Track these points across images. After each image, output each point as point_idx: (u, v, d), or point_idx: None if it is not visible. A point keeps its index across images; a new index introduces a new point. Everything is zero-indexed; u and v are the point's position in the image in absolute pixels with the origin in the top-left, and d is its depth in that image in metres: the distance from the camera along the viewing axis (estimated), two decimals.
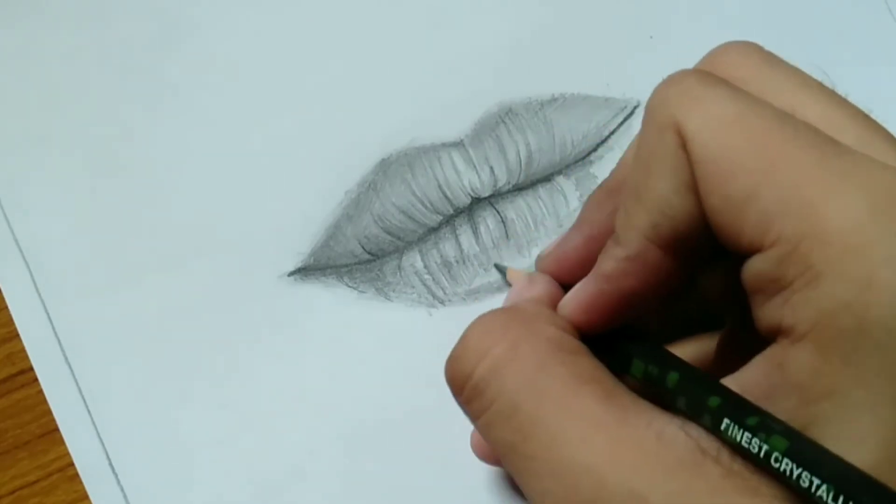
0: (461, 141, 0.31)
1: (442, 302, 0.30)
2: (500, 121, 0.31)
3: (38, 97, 0.31)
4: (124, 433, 0.29)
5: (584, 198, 0.31)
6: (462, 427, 0.29)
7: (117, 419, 0.29)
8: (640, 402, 0.20)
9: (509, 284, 0.29)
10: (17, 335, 0.29)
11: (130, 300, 0.30)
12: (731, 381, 0.19)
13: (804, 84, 0.21)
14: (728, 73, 0.21)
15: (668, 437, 0.19)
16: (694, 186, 0.19)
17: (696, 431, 0.19)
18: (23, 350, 0.29)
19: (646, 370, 0.21)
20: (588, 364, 0.21)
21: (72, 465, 0.29)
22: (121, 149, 0.31)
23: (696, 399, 0.19)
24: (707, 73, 0.20)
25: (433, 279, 0.30)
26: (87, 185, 0.30)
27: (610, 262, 0.21)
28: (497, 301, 0.30)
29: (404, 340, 0.30)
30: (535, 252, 0.30)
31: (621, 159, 0.23)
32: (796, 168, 0.18)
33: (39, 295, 0.30)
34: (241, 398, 0.29)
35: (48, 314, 0.29)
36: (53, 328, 0.29)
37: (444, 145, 0.31)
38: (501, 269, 0.30)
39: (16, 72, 0.31)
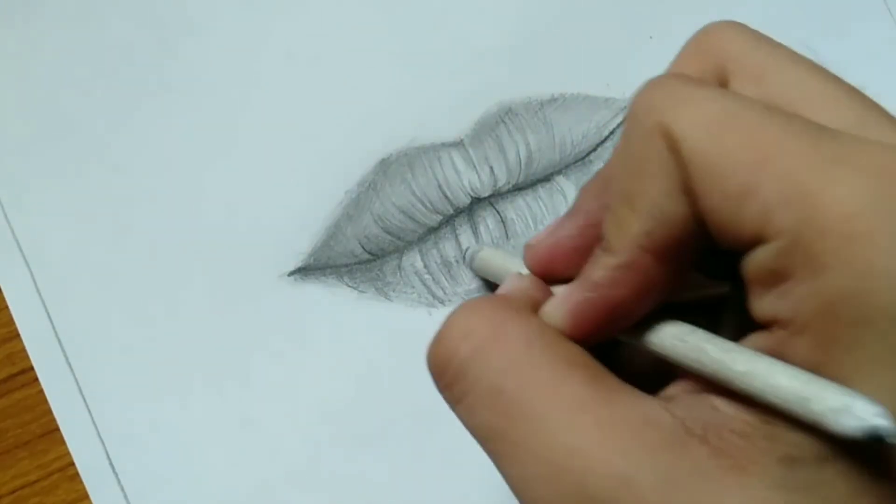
0: (461, 141, 0.31)
1: (442, 302, 0.30)
2: (500, 121, 0.31)
3: (37, 97, 0.31)
4: (124, 433, 0.29)
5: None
6: (462, 425, 0.29)
7: (117, 419, 0.29)
8: (626, 386, 0.19)
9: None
10: (18, 335, 0.29)
11: (131, 300, 0.30)
12: None
13: (795, 61, 0.20)
14: (717, 51, 0.21)
15: (654, 417, 0.18)
16: (686, 189, 0.19)
17: (681, 412, 0.19)
18: (23, 350, 0.29)
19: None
20: (574, 348, 0.20)
21: (72, 464, 0.29)
22: (121, 149, 0.31)
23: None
24: (687, 76, 0.20)
25: (433, 279, 0.30)
26: (87, 185, 0.30)
27: (599, 271, 0.20)
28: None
29: (404, 340, 0.30)
30: None
31: (614, 151, 0.23)
32: (792, 158, 0.18)
33: (40, 295, 0.30)
34: (241, 398, 0.29)
35: (49, 314, 0.29)
36: (54, 328, 0.29)
37: (444, 145, 0.31)
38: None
39: (15, 72, 0.31)
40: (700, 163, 0.18)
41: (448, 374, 0.21)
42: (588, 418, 0.19)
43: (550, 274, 0.23)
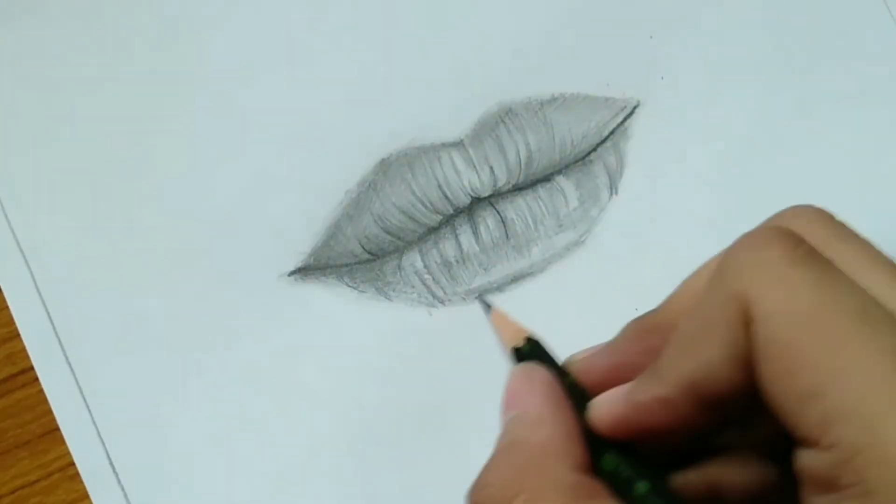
0: (461, 141, 0.31)
1: (442, 301, 0.30)
2: (500, 121, 0.31)
3: (38, 97, 0.31)
4: (125, 432, 0.29)
5: (584, 198, 0.31)
6: (462, 425, 0.29)
7: (118, 419, 0.29)
8: None
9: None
10: (18, 335, 0.29)
11: (130, 300, 0.30)
12: None
13: (874, 262, 0.20)
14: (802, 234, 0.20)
15: None
16: (746, 361, 0.19)
17: None
18: (23, 350, 0.29)
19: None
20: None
21: (72, 464, 0.29)
22: (121, 149, 0.31)
23: None
24: (793, 248, 0.20)
25: (433, 279, 0.30)
26: (87, 185, 0.30)
27: (642, 394, 0.21)
28: (497, 301, 0.30)
29: (404, 340, 0.30)
30: (535, 251, 0.30)
31: (673, 296, 0.23)
32: (867, 376, 0.18)
33: (40, 295, 0.30)
34: (241, 397, 0.29)
35: (49, 314, 0.29)
36: (54, 328, 0.29)
37: (444, 145, 0.31)
38: (485, 305, 0.30)
39: (16, 72, 0.31)
40: (773, 350, 0.19)
41: None
42: None
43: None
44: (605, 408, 0.22)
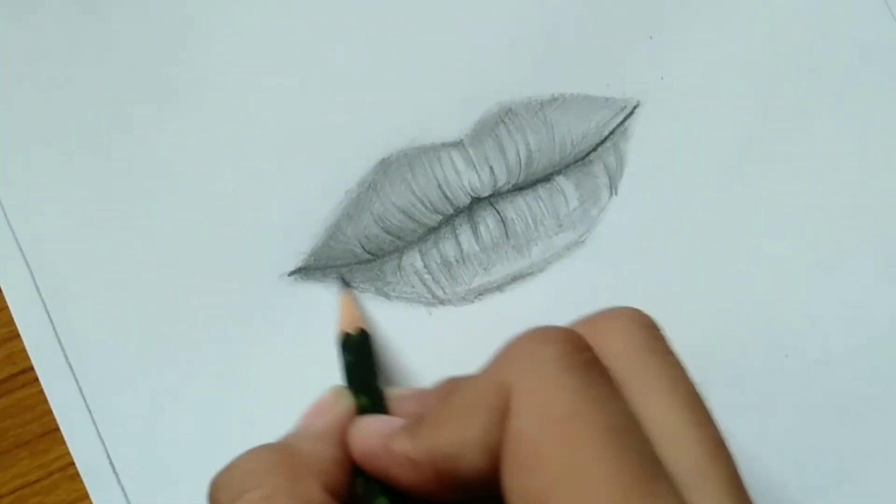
0: (461, 141, 0.31)
1: (442, 301, 0.30)
2: (500, 120, 0.31)
3: (37, 96, 0.31)
4: (125, 432, 0.29)
5: (584, 198, 0.31)
6: None
7: (118, 418, 0.29)
8: None
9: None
10: (18, 335, 0.29)
11: (131, 300, 0.30)
12: None
13: (673, 387, 0.20)
14: (605, 342, 0.21)
15: None
16: (494, 451, 0.19)
17: None
18: (23, 349, 0.29)
19: None
20: None
21: (72, 464, 0.29)
22: (121, 148, 0.31)
23: None
24: (571, 352, 0.20)
25: (433, 279, 0.30)
26: (87, 185, 0.30)
27: (395, 444, 0.21)
28: (497, 301, 0.30)
29: (404, 340, 0.30)
30: (535, 251, 0.30)
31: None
32: (595, 493, 0.18)
33: (40, 294, 0.30)
34: (241, 398, 0.29)
35: (49, 314, 0.29)
36: (54, 327, 0.29)
37: (443, 145, 0.31)
38: (343, 283, 0.30)
39: (15, 70, 0.31)
40: (517, 447, 0.19)
41: None
42: None
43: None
44: (362, 437, 0.23)
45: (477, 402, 0.20)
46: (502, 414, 0.19)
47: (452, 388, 0.24)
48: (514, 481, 0.19)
